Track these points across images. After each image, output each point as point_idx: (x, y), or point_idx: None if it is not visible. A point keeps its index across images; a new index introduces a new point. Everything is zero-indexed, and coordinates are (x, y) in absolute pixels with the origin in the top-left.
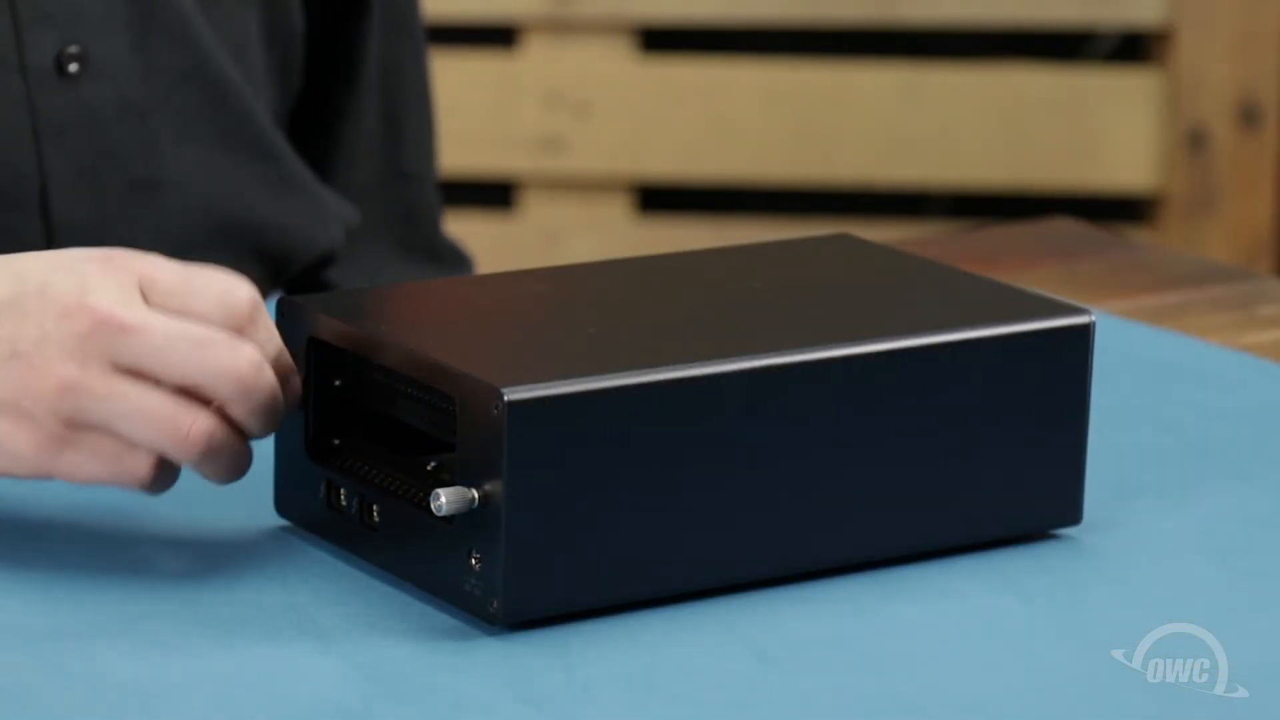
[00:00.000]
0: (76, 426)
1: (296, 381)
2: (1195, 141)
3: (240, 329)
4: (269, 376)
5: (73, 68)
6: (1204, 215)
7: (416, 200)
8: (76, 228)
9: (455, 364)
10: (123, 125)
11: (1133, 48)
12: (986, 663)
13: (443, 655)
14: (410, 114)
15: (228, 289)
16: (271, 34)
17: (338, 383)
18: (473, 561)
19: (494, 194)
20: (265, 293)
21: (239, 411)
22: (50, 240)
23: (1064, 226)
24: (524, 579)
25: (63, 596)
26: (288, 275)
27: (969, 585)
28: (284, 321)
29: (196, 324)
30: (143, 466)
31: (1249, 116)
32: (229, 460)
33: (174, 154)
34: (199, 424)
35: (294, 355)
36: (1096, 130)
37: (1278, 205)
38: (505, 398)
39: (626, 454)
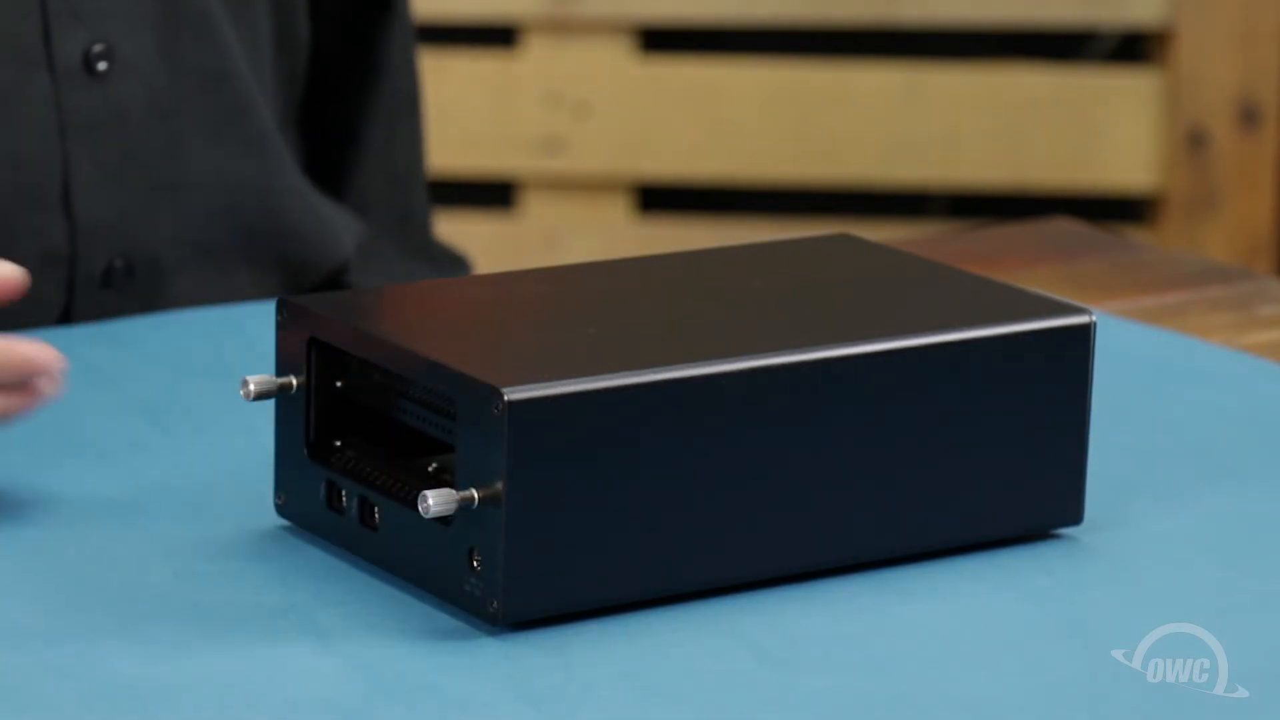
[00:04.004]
0: None
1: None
2: (1195, 141)
3: None
4: None
5: (101, 66)
6: (1204, 215)
7: (410, 202)
8: (99, 227)
9: (455, 364)
10: (148, 125)
11: (1133, 48)
12: (986, 663)
13: (443, 655)
14: (402, 114)
15: None
16: (281, 39)
17: (338, 383)
18: (473, 562)
19: (494, 194)
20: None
21: None
22: (73, 239)
23: (1064, 226)
24: (524, 579)
25: (63, 597)
26: (303, 285)
27: (969, 585)
28: (285, 322)
29: None
30: None
31: (1249, 116)
32: None
33: (198, 156)
34: None
35: (295, 355)
36: (1096, 130)
37: (1278, 205)
38: (505, 398)
39: (626, 454)
